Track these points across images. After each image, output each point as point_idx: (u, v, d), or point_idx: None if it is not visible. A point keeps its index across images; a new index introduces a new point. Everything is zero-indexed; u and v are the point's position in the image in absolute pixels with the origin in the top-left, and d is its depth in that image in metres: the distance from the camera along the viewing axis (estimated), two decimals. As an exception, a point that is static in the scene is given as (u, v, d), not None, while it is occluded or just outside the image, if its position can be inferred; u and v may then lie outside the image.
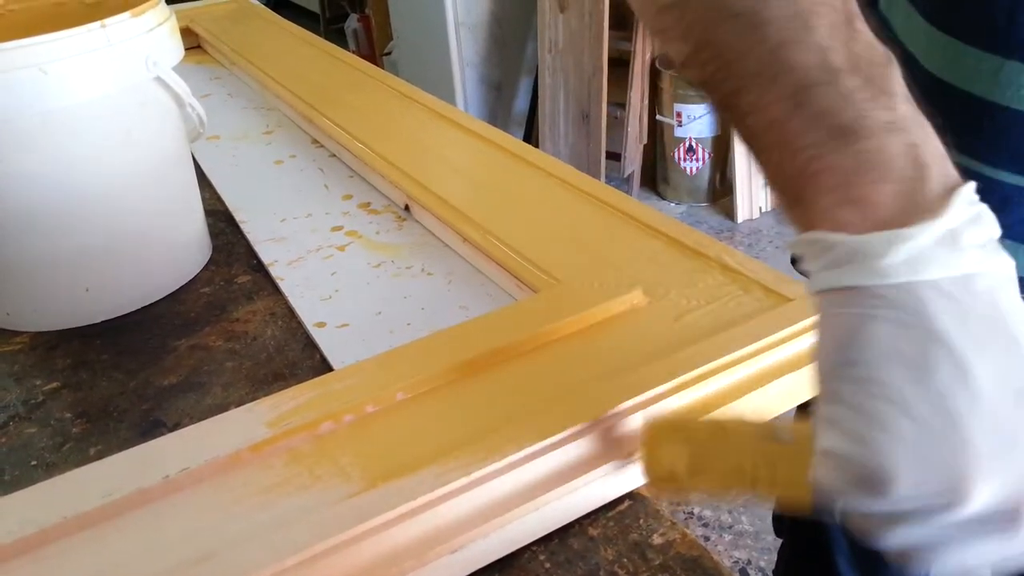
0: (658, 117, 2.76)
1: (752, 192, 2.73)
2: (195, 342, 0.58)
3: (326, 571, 0.35)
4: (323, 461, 0.40)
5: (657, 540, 0.40)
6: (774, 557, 1.67)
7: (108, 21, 0.54)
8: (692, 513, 1.71)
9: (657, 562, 0.38)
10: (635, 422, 0.41)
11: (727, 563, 1.60)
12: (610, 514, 0.41)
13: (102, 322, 0.61)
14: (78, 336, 0.60)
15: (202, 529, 0.37)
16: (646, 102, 2.72)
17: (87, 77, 0.54)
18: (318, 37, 1.15)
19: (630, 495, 0.42)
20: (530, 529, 0.39)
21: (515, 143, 0.75)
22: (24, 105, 0.52)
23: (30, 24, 0.66)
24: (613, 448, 0.40)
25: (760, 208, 2.76)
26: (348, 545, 0.36)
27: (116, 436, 0.50)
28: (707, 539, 1.65)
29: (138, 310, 0.62)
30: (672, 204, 2.87)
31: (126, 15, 0.55)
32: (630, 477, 0.41)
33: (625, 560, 0.39)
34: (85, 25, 0.53)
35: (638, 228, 0.58)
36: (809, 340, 0.46)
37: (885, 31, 0.55)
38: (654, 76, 2.70)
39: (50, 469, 0.48)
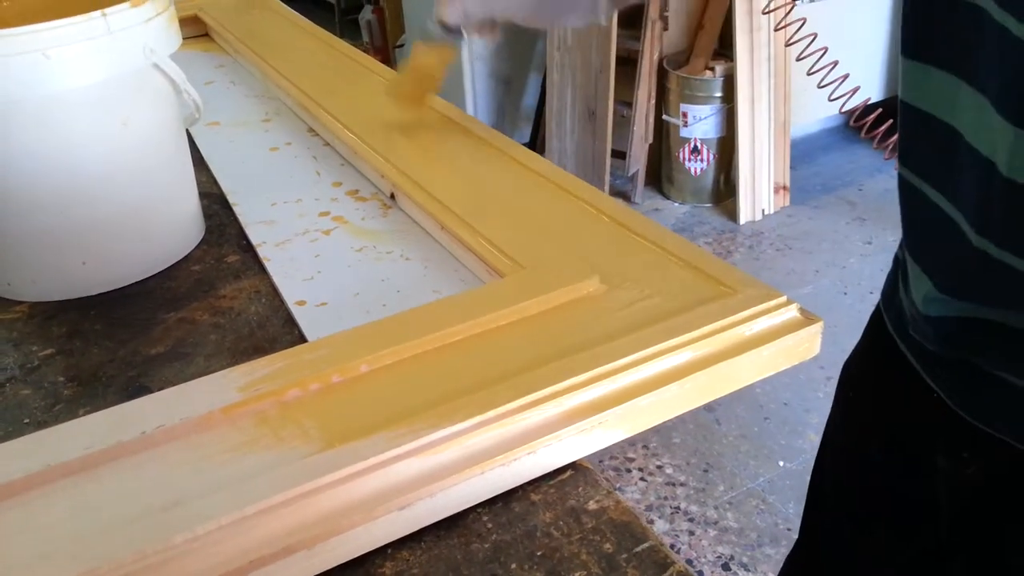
0: (664, 117, 2.79)
1: (755, 194, 2.76)
2: (183, 316, 0.61)
3: (284, 520, 0.39)
4: (288, 424, 0.44)
5: (592, 506, 0.43)
6: (756, 554, 1.71)
7: (108, 10, 0.57)
8: (679, 508, 1.74)
9: (590, 525, 0.42)
10: (577, 399, 0.44)
11: (711, 558, 1.63)
12: (552, 482, 0.45)
13: (97, 294, 0.64)
14: (74, 307, 0.63)
15: (173, 480, 0.41)
16: (653, 101, 2.75)
17: (87, 63, 0.57)
18: (321, 29, 1.18)
19: (572, 466, 0.45)
20: (475, 492, 0.42)
21: (500, 138, 0.78)
22: (28, 88, 0.56)
23: (37, 10, 0.69)
24: (555, 422, 0.43)
25: (763, 211, 2.78)
26: (305, 498, 0.39)
27: (104, 399, 0.54)
28: (692, 534, 1.68)
29: (132, 284, 0.66)
30: (676, 204, 2.90)
31: (126, 5, 0.58)
32: (572, 450, 0.44)
33: (561, 523, 0.42)
34: (87, 13, 0.56)
35: (603, 221, 0.61)
36: (750, 328, 0.49)
37: None
38: (661, 76, 2.72)
39: (41, 427, 0.51)
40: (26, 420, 0.52)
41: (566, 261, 0.56)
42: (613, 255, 0.57)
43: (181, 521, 0.38)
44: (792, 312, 0.51)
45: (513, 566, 0.40)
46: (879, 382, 0.68)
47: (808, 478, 0.84)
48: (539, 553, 0.40)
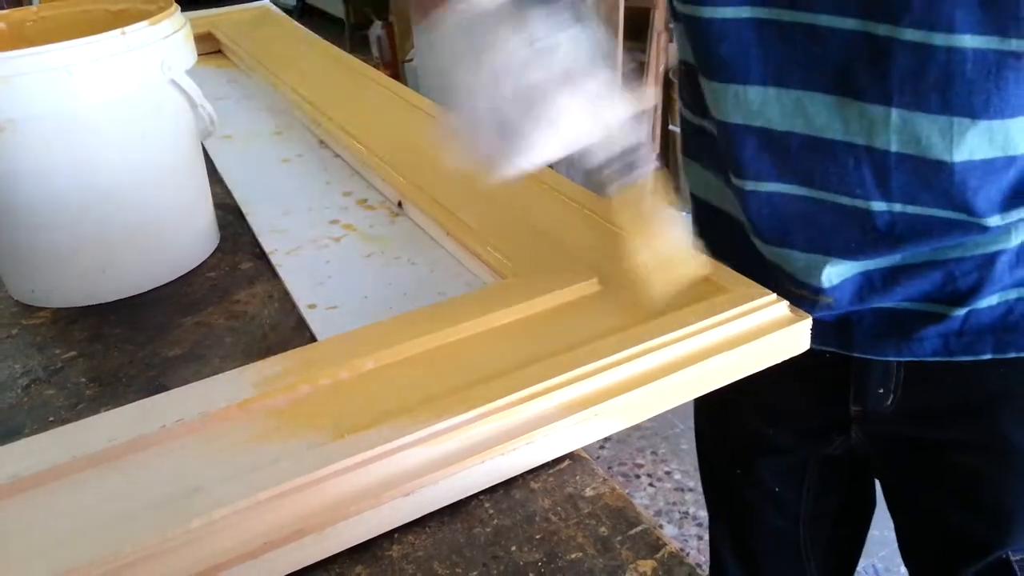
0: (670, 127, 2.81)
1: (762, 203, 2.77)
2: (199, 320, 0.64)
3: (296, 506, 0.41)
4: (299, 417, 0.46)
5: (589, 493, 0.45)
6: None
7: (128, 29, 0.60)
8: (687, 513, 1.75)
9: (587, 511, 0.44)
10: (574, 392, 0.46)
11: (719, 561, 1.64)
12: (551, 471, 0.47)
13: (117, 300, 0.67)
14: (95, 312, 0.66)
15: (192, 469, 0.43)
16: (659, 112, 2.77)
17: (108, 79, 0.60)
18: (331, 44, 1.21)
19: (570, 456, 0.48)
20: (476, 480, 0.44)
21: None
22: (51, 103, 0.59)
23: (60, 30, 0.72)
24: (552, 414, 0.46)
25: (770, 219, 2.80)
26: (315, 485, 0.41)
27: (124, 398, 0.56)
28: (700, 539, 1.70)
29: (150, 291, 0.68)
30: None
31: (144, 23, 0.61)
32: (569, 440, 0.46)
33: (559, 509, 0.44)
34: (107, 32, 0.59)
35: (600, 225, 0.64)
36: (739, 326, 0.51)
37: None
38: (667, 87, 2.75)
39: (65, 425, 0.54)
40: (51, 418, 0.55)
41: (566, 264, 0.59)
42: (611, 257, 0.59)
43: (199, 507, 0.40)
44: (782, 309, 0.53)
45: (513, 548, 0.42)
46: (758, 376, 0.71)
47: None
48: (538, 536, 0.43)
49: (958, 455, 0.67)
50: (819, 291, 0.62)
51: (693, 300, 0.53)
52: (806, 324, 0.52)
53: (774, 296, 0.53)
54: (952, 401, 0.65)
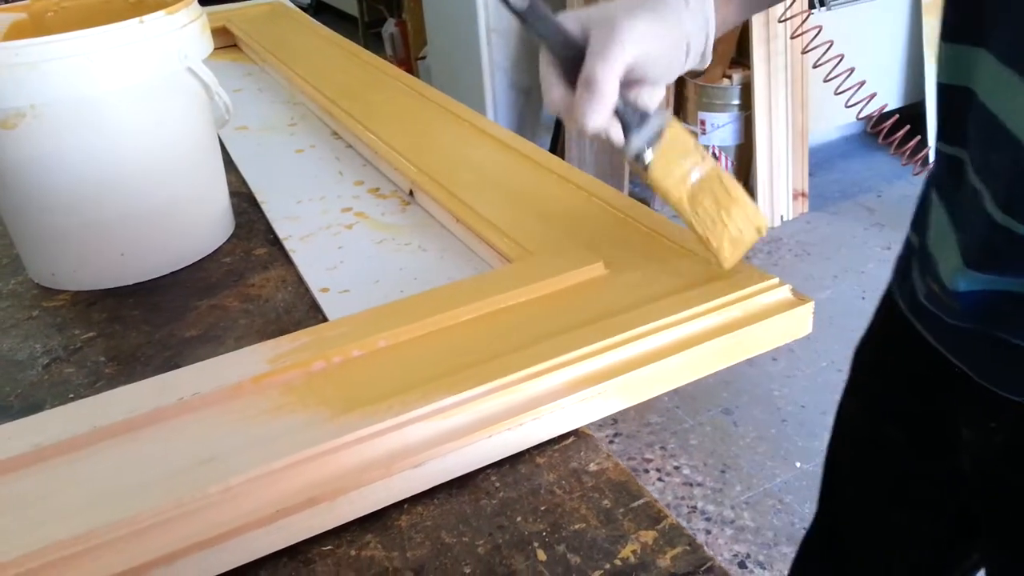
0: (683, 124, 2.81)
1: (773, 201, 2.78)
2: (214, 303, 0.66)
3: (308, 475, 0.42)
4: (312, 392, 0.47)
5: (592, 467, 0.46)
6: (773, 552, 1.73)
7: (145, 18, 0.62)
8: (695, 508, 1.76)
9: (590, 484, 0.45)
10: (579, 371, 0.48)
11: (727, 556, 1.65)
12: (556, 447, 0.48)
13: (134, 284, 0.69)
14: (113, 295, 0.68)
15: (207, 440, 0.44)
16: (671, 110, 2.78)
17: (127, 66, 0.62)
18: (344, 38, 1.23)
19: (575, 432, 0.49)
20: (483, 454, 0.46)
21: (511, 136, 0.82)
22: (71, 89, 0.60)
23: (81, 19, 0.74)
24: (558, 391, 0.47)
25: (781, 216, 2.80)
26: (327, 455, 0.43)
27: (142, 377, 0.57)
28: (708, 532, 1.70)
29: (167, 275, 0.70)
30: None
31: (161, 13, 0.63)
32: (574, 417, 0.47)
33: (563, 482, 0.45)
34: (126, 21, 0.61)
35: (607, 211, 0.65)
36: (741, 308, 0.52)
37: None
38: (679, 85, 2.75)
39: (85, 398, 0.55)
40: (71, 395, 0.56)
41: (573, 248, 0.60)
42: (617, 242, 0.61)
43: (215, 474, 0.42)
44: (784, 293, 0.54)
45: (519, 519, 0.43)
46: (895, 364, 0.69)
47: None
48: (543, 508, 0.44)
49: None
50: (945, 290, 0.57)
51: (697, 284, 0.54)
52: (808, 308, 0.53)
53: (776, 280, 0.54)
54: None
